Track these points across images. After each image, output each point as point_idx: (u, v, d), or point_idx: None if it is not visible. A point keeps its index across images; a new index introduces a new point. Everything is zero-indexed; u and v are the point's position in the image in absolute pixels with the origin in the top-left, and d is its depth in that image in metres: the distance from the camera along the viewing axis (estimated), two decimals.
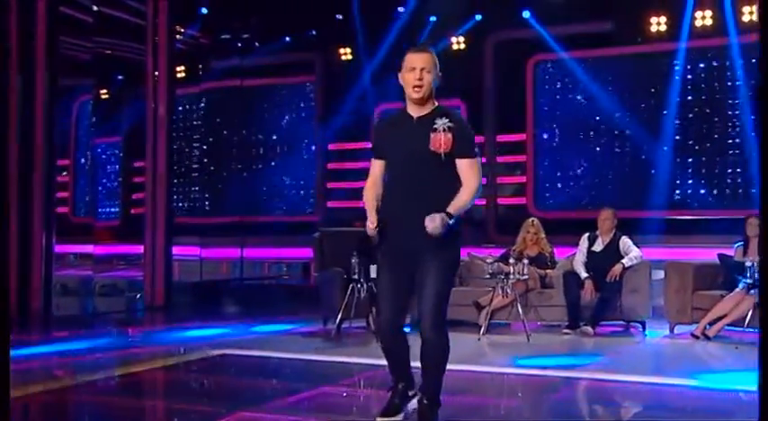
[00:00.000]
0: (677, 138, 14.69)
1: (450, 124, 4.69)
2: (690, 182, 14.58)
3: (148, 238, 11.76)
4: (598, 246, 9.42)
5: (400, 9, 15.34)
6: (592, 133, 15.37)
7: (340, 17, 15.73)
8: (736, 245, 9.05)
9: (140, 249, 11.94)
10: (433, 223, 4.50)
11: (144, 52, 12.02)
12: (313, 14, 15.56)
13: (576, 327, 9.02)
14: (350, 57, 16.47)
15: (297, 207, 17.25)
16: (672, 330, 9.06)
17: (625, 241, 9.30)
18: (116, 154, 16.19)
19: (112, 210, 15.92)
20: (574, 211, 15.47)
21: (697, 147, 14.60)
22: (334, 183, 17.03)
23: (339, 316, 8.74)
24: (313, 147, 17.23)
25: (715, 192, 14.41)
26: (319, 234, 10.09)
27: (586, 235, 9.58)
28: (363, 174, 17.04)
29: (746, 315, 8.32)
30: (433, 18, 15.35)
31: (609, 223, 9.43)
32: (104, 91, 15.40)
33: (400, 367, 4.99)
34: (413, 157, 4.73)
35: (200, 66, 15.94)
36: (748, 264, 8.25)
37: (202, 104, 17.07)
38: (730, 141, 14.36)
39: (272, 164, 17.35)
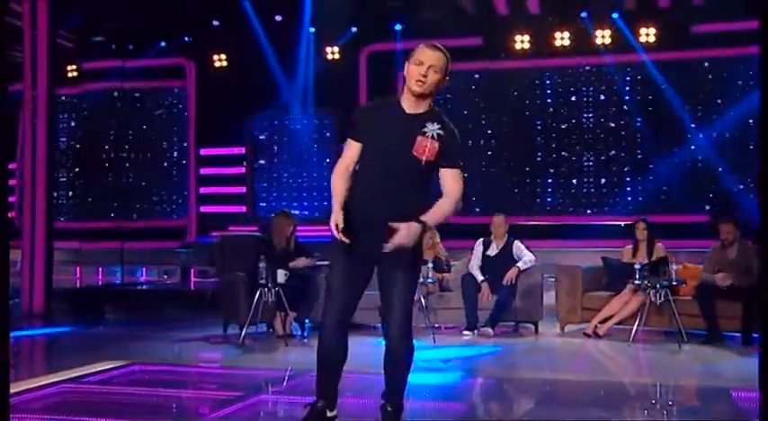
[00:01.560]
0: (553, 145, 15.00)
1: (440, 131, 4.23)
2: (570, 190, 14.91)
3: (27, 243, 10.73)
4: (493, 251, 9.24)
5: (278, 18, 14.87)
6: (470, 142, 15.38)
7: (216, 24, 15.09)
8: (625, 248, 9.09)
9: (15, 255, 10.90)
10: (408, 238, 4.02)
11: (22, 53, 11.00)
12: (189, 21, 14.92)
13: (474, 328, 8.79)
14: (224, 63, 15.84)
15: (170, 211, 16.46)
16: (562, 330, 9.00)
17: (518, 245, 9.17)
18: None
19: None
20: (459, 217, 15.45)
21: (574, 158, 14.93)
22: (207, 187, 16.36)
23: (247, 321, 8.17)
24: (186, 153, 16.50)
25: (594, 199, 14.76)
26: (219, 238, 9.49)
27: (481, 240, 9.38)
28: (235, 179, 16.56)
29: (634, 313, 8.38)
30: (312, 29, 14.95)
31: (502, 229, 9.28)
32: None
33: (330, 375, 4.44)
34: (394, 156, 4.23)
35: (75, 67, 14.91)
36: (637, 266, 8.27)
37: (75, 107, 16.05)
38: (613, 152, 14.79)
39: (146, 168, 16.51)
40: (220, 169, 16.28)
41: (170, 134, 16.58)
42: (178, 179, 16.48)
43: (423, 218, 4.10)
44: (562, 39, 14.73)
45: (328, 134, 16.08)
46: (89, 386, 6.24)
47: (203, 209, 16.21)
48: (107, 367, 6.79)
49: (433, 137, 4.21)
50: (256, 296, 8.08)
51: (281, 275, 8.13)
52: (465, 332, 8.80)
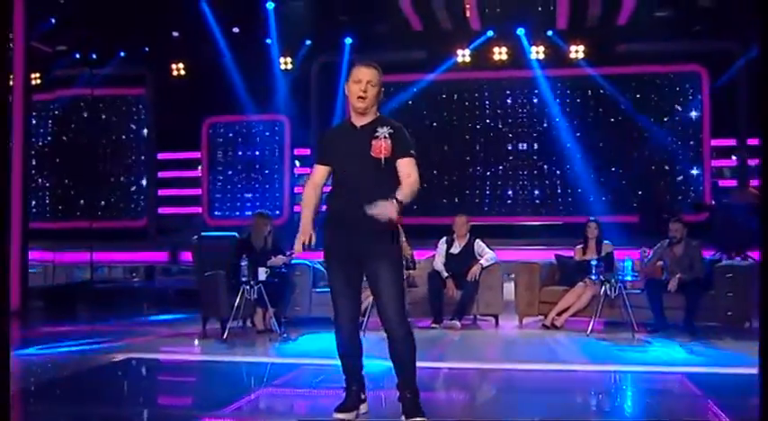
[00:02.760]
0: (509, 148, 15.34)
1: (390, 131, 4.50)
2: (527, 192, 15.21)
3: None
4: (455, 249, 9.41)
5: (235, 30, 14.78)
6: (412, 151, 15.51)
7: (176, 35, 14.92)
8: (577, 246, 9.36)
9: None
10: (384, 208, 4.22)
11: None
12: (148, 31, 14.72)
13: (440, 322, 8.95)
14: (182, 72, 15.66)
15: (130, 213, 16.19)
16: (521, 322, 9.22)
17: (479, 244, 9.36)
18: None
19: None
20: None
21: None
22: (165, 190, 16.16)
23: (231, 317, 8.15)
24: (143, 157, 16.27)
25: (549, 201, 15.10)
26: (197, 238, 9.40)
27: (444, 238, 9.55)
28: (192, 182, 16.39)
29: (587, 305, 8.66)
30: (268, 40, 14.91)
31: (464, 228, 9.46)
32: None
33: (354, 368, 4.68)
34: (356, 163, 4.49)
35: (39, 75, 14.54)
36: (594, 262, 8.55)
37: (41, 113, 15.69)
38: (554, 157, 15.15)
39: (108, 172, 16.20)
40: (178, 173, 16.13)
41: (129, 139, 16.30)
42: (137, 182, 16.22)
43: (396, 195, 4.32)
44: (500, 53, 15.03)
45: (281, 140, 16.06)
46: (93, 380, 6.16)
47: (161, 210, 16.01)
48: (105, 362, 6.72)
49: (384, 137, 4.48)
50: (240, 293, 8.09)
51: (263, 273, 8.16)
52: (432, 325, 8.95)
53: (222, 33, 14.69)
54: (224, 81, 15.03)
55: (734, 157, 14.87)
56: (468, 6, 14.20)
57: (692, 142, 14.96)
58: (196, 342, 8.32)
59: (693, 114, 14.98)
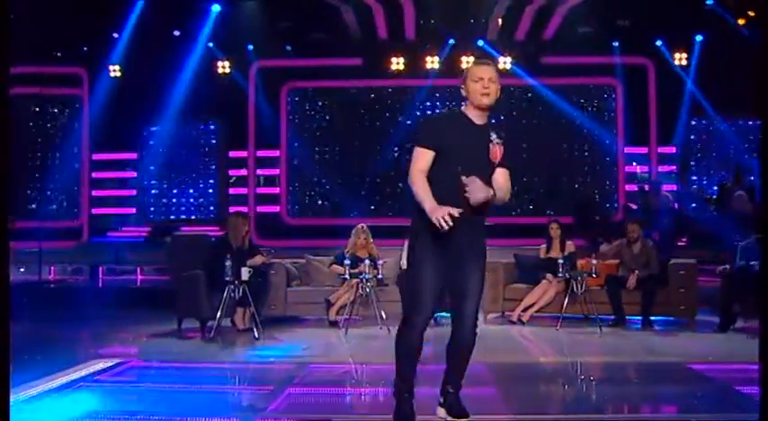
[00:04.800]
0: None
1: (499, 140, 4.36)
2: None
3: None
4: None
5: (176, 33, 14.30)
6: (345, 150, 15.47)
7: (116, 35, 14.30)
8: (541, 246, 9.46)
9: None
10: (481, 189, 4.14)
11: None
12: (88, 31, 14.06)
13: None
14: (118, 73, 15.00)
15: (64, 213, 15.39)
16: (485, 318, 9.22)
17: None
18: None
19: None
20: (321, 219, 15.49)
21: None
22: (99, 191, 15.46)
23: (218, 316, 7.81)
24: (79, 157, 15.51)
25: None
26: (172, 238, 9.00)
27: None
28: (127, 182, 15.72)
29: (552, 301, 8.77)
30: (210, 44, 14.48)
31: None
32: None
33: (413, 368, 4.39)
34: (474, 160, 4.28)
35: None
36: (561, 260, 8.67)
37: None
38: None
39: (42, 172, 15.36)
40: (112, 173, 15.49)
41: (64, 140, 15.51)
42: (72, 182, 15.45)
43: (495, 191, 4.24)
44: (432, 62, 15.11)
45: (215, 142, 15.65)
46: (93, 385, 5.73)
47: (95, 211, 15.31)
48: (101, 367, 6.26)
49: (497, 143, 4.33)
50: (225, 293, 7.78)
51: (246, 273, 7.87)
52: None
53: (162, 36, 14.21)
54: (162, 83, 14.52)
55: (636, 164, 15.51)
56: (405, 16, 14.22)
57: (608, 149, 15.46)
58: (181, 342, 7.92)
59: (609, 124, 15.48)
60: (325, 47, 14.67)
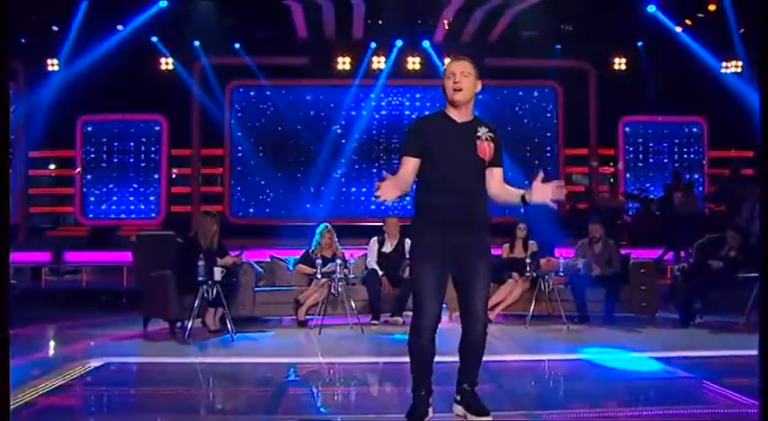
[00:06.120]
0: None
1: (490, 134, 4.30)
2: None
3: None
4: (387, 248, 9.27)
5: (119, 27, 13.85)
6: (290, 149, 15.30)
7: (56, 29, 13.74)
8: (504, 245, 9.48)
9: None
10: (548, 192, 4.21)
11: None
12: (25, 23, 13.47)
13: (378, 318, 8.82)
14: (56, 67, 14.42)
15: None
16: (450, 317, 9.22)
17: (410, 242, 9.27)
18: None
19: None
20: (264, 218, 15.30)
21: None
22: (36, 189, 14.84)
23: (192, 317, 7.57)
24: (14, 154, 14.81)
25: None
26: (136, 238, 8.68)
27: (375, 238, 9.38)
28: (65, 180, 15.19)
29: (518, 300, 8.84)
30: (154, 38, 14.07)
31: (395, 228, 9.35)
32: None
33: (427, 370, 4.35)
34: (458, 160, 4.23)
35: None
36: (528, 260, 8.75)
37: None
38: None
39: None
40: (51, 171, 14.88)
41: None
42: (8, 180, 14.75)
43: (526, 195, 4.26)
44: (379, 62, 15.08)
45: (158, 140, 15.21)
46: (84, 388, 5.52)
47: (32, 210, 14.69)
48: (87, 368, 6.03)
49: (487, 139, 4.28)
50: (199, 293, 7.57)
51: (218, 273, 7.67)
52: (373, 321, 8.79)
53: (105, 30, 13.74)
54: (102, 78, 14.03)
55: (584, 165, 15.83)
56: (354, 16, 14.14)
57: (548, 150, 15.75)
58: (154, 343, 7.66)
59: (550, 125, 15.76)
60: (272, 45, 14.46)
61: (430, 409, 4.37)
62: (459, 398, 4.45)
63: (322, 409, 5.12)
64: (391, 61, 14.97)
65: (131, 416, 4.79)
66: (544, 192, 4.23)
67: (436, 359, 4.35)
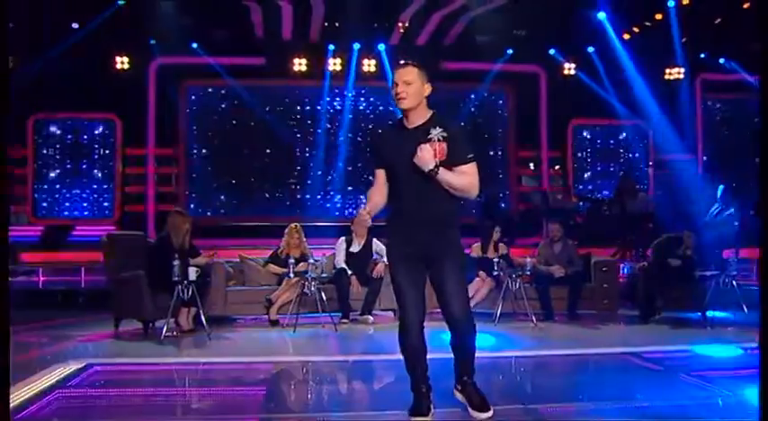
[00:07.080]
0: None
1: (443, 134, 4.25)
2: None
3: None
4: (355, 248, 9.34)
5: (75, 25, 13.57)
6: (246, 150, 15.23)
7: (11, 25, 13.35)
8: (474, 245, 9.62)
9: None
10: (426, 152, 4.17)
11: None
12: None
13: (347, 317, 8.88)
14: (10, 65, 14.01)
15: None
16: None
17: (377, 242, 9.34)
18: None
19: None
20: (223, 218, 15.19)
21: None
22: None
23: (168, 316, 7.52)
24: None
25: None
26: (107, 238, 8.55)
27: (343, 238, 9.44)
28: (18, 179, 14.61)
29: (485, 298, 8.99)
30: (109, 37, 13.79)
31: (363, 228, 9.41)
32: None
33: (422, 366, 4.43)
34: (409, 165, 4.24)
35: None
36: (496, 260, 8.91)
37: None
38: None
39: None
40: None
41: None
42: (7, 180, 14.29)
43: (439, 166, 4.21)
44: (335, 64, 15.09)
45: (112, 139, 14.93)
46: (70, 391, 5.43)
47: None
48: (69, 370, 5.93)
49: (438, 139, 4.25)
50: (175, 293, 7.52)
51: (193, 273, 7.64)
52: (343, 320, 8.84)
53: (59, 27, 13.45)
54: (57, 77, 13.73)
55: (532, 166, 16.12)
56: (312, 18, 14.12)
57: (500, 152, 16.01)
58: (128, 343, 7.57)
59: (502, 127, 16.03)
60: (228, 45, 14.35)
61: (431, 405, 4.43)
62: (459, 387, 4.54)
63: (308, 406, 5.14)
64: (354, 64, 14.95)
65: (130, 418, 4.76)
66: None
67: (434, 356, 4.45)
